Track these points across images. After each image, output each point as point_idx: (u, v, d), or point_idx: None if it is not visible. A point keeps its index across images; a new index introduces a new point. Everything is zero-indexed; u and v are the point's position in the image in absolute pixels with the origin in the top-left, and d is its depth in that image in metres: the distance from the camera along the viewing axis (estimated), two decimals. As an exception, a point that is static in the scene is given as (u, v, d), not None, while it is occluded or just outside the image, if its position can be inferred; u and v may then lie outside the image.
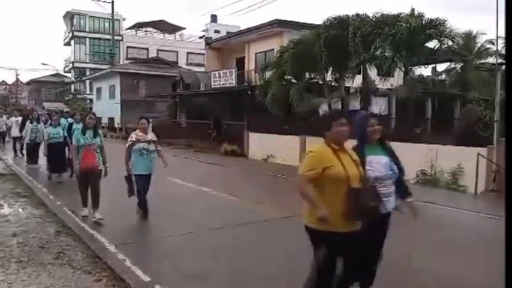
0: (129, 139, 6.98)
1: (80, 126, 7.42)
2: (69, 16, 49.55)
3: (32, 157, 13.14)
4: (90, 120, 7.05)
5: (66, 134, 10.51)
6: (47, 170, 11.12)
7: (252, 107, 19.55)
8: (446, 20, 14.10)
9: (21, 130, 14.52)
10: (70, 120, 11.80)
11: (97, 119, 7.70)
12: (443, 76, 23.12)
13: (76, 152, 6.82)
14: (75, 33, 48.74)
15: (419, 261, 5.34)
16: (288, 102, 16.47)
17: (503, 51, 21.70)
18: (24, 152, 14.79)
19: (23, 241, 5.86)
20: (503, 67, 19.56)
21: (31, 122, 13.01)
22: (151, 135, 7.13)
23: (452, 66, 21.68)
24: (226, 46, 27.82)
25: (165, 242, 6.01)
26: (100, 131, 7.39)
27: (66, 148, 10.44)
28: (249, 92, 19.94)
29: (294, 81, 17.35)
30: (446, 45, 14.54)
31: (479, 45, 22.36)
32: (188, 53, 47.09)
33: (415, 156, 11.92)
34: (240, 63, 25.37)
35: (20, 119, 16.41)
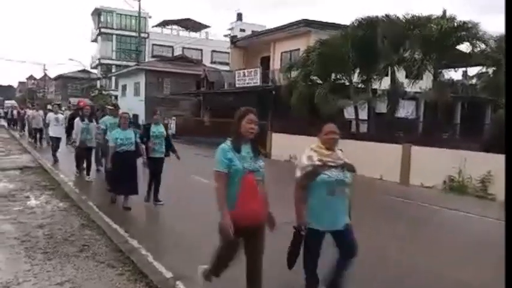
0: (302, 162, 3.64)
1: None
2: (97, 13, 50.45)
3: (81, 165, 10.64)
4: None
5: (138, 139, 7.70)
6: (108, 189, 8.18)
7: (275, 107, 19.43)
8: (479, 23, 13.70)
9: (68, 131, 11.66)
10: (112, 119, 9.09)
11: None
12: (475, 80, 22.53)
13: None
14: (102, 29, 49.58)
15: (437, 267, 5.19)
16: (312, 103, 16.26)
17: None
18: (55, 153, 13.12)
19: (48, 233, 5.92)
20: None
21: (82, 120, 10.34)
22: (341, 154, 3.74)
23: (484, 70, 21.09)
24: (251, 45, 27.77)
25: (188, 239, 5.96)
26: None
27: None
28: (274, 92, 19.83)
29: (319, 81, 17.13)
30: (478, 48, 14.11)
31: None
32: (213, 51, 47.29)
33: (443, 162, 11.63)
34: (265, 63, 25.28)
35: (60, 116, 14.20)
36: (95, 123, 10.34)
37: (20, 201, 7.92)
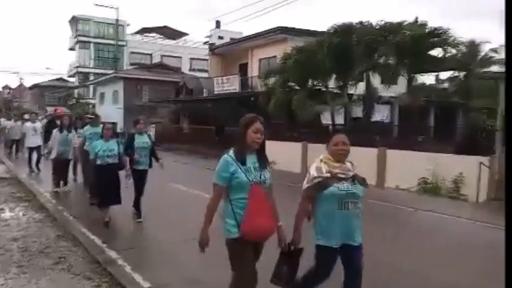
0: (311, 174, 3.39)
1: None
2: (74, 21, 49.89)
3: (59, 178, 9.99)
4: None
5: (121, 150, 7.26)
6: (91, 202, 7.89)
7: (254, 114, 19.53)
8: (449, 29, 14.15)
9: (46, 139, 11.35)
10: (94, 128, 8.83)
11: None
12: (447, 84, 23.07)
13: None
14: (80, 38, 49.04)
15: (422, 269, 5.31)
16: (290, 108, 16.46)
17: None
18: (34, 164, 12.90)
19: (23, 245, 5.86)
20: (507, 76, 19.51)
21: (60, 131, 9.77)
22: (350, 166, 3.45)
23: (456, 74, 21.63)
24: (229, 52, 27.90)
25: (165, 248, 5.99)
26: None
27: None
28: (252, 99, 19.96)
29: (297, 88, 17.36)
30: (449, 54, 14.55)
31: (482, 53, 22.35)
32: (191, 58, 47.25)
33: (417, 164, 11.91)
34: (244, 70, 25.44)
35: (38, 124, 13.79)
36: (75, 133, 10.06)
37: (-6, 214, 7.79)
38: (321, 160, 3.38)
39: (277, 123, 17.40)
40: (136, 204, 7.47)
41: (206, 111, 25.83)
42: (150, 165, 7.55)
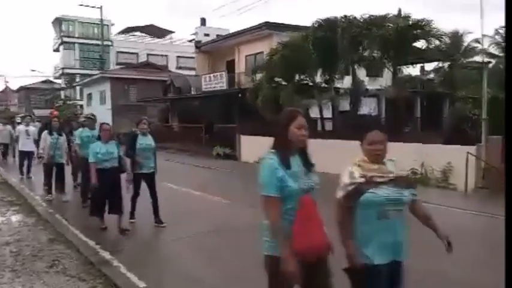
0: (343, 180, 2.88)
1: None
2: (58, 22, 49.32)
3: (51, 184, 9.41)
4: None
5: (121, 152, 6.89)
6: (91, 212, 6.92)
7: (243, 110, 19.62)
8: (432, 20, 14.29)
9: (37, 143, 10.87)
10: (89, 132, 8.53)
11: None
12: (432, 75, 23.40)
13: None
14: (64, 39, 48.52)
15: (424, 262, 5.38)
16: (278, 104, 16.54)
17: (490, 50, 22.12)
18: (25, 170, 12.35)
19: (16, 250, 5.88)
20: (490, 65, 19.92)
21: (50, 133, 9.31)
22: (392, 165, 2.97)
23: (440, 65, 21.96)
24: (216, 49, 27.86)
25: (159, 247, 6.06)
26: None
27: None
28: (240, 95, 20.01)
29: (284, 83, 17.45)
30: (433, 45, 14.72)
31: (466, 44, 22.69)
32: (178, 56, 47.07)
33: (405, 156, 12.00)
34: (231, 66, 25.43)
35: (32, 128, 13.11)
36: (65, 136, 9.49)
37: (-15, 219, 7.78)
38: (355, 163, 2.88)
39: (264, 118, 17.49)
40: (156, 213, 7.18)
41: (194, 109, 25.83)
42: (155, 168, 7.17)
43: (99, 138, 6.85)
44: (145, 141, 7.05)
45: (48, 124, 9.93)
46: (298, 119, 2.71)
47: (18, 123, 14.94)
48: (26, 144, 12.65)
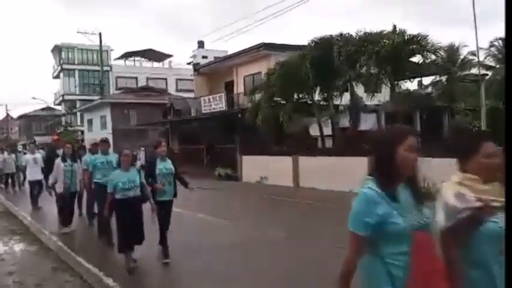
0: (450, 203, 2.21)
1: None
2: (57, 49, 49.99)
3: (66, 217, 8.58)
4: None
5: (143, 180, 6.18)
6: (119, 249, 6.09)
7: (243, 130, 19.69)
8: (427, 35, 14.43)
9: (47, 173, 9.56)
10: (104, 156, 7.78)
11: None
12: (430, 89, 23.52)
13: None
14: (64, 66, 49.12)
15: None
16: (278, 123, 16.62)
17: (485, 62, 22.32)
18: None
19: (19, 280, 5.84)
20: (487, 77, 20.09)
21: (63, 160, 8.51)
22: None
23: (438, 78, 22.11)
24: (214, 71, 28.13)
25: (162, 271, 6.00)
26: None
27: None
28: (240, 116, 20.11)
29: (282, 102, 17.56)
30: (429, 59, 14.84)
31: (462, 57, 22.90)
32: (177, 79, 47.53)
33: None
34: (229, 87, 25.63)
35: (38, 155, 12.54)
36: (79, 163, 8.66)
37: (-13, 249, 7.74)
38: (459, 182, 2.25)
39: (264, 137, 17.57)
40: (163, 241, 6.55)
41: (195, 130, 25.91)
42: (175, 195, 6.66)
43: (118, 165, 6.12)
44: (165, 165, 6.48)
45: (52, 150, 9.45)
46: (409, 139, 2.10)
47: (19, 152, 14.58)
48: (35, 173, 12.02)
